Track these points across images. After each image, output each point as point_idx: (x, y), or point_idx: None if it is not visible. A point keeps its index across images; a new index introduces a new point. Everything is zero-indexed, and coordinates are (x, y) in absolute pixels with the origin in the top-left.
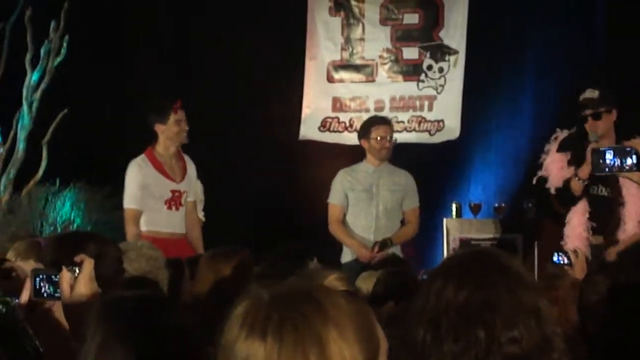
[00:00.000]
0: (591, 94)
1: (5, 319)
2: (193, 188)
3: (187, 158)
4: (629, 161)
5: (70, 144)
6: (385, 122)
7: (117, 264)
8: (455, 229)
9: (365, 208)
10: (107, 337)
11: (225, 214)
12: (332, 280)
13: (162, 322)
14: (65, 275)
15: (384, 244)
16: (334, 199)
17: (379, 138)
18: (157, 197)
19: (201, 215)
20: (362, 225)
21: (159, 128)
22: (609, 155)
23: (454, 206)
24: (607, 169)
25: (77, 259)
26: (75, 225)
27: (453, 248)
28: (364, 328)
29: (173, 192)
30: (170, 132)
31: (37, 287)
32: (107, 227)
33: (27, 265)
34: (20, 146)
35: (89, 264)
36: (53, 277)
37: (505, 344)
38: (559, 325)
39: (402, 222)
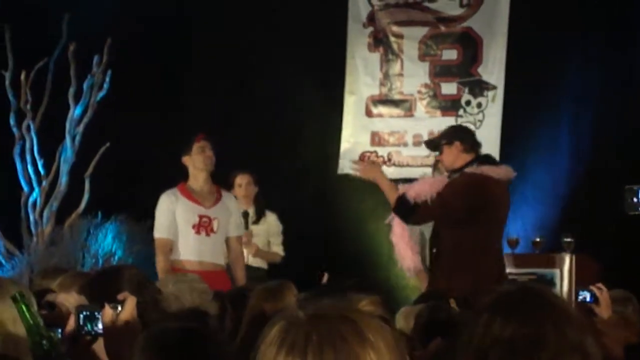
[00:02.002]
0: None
1: (48, 355)
2: (234, 222)
3: (227, 193)
4: None
5: (112, 177)
6: None
7: (154, 302)
8: None
9: None
10: None
11: None
12: (366, 304)
13: (203, 354)
14: (108, 312)
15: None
16: None
17: None
18: (185, 222)
19: (279, 249)
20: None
21: (186, 160)
22: None
23: None
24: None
25: (120, 296)
26: (116, 258)
27: (500, 288)
28: (398, 354)
29: (201, 217)
30: (195, 160)
31: (81, 322)
32: (148, 260)
33: (70, 298)
34: (63, 179)
35: (131, 302)
36: (96, 313)
37: None
38: None
39: None
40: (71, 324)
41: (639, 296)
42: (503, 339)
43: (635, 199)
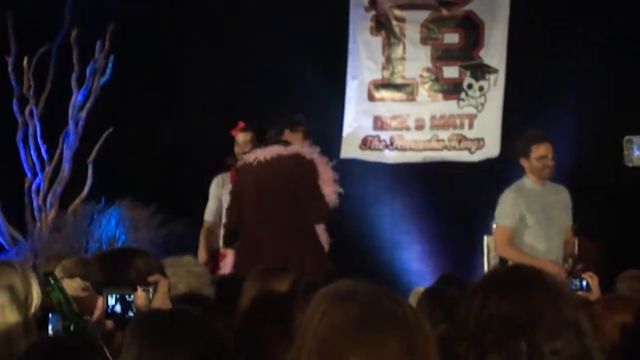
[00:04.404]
0: None
1: (76, 339)
2: None
3: None
4: None
5: (115, 163)
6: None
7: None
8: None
9: (543, 229)
10: (142, 351)
11: None
12: None
13: (194, 338)
14: (141, 296)
15: (580, 260)
16: (507, 220)
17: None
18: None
19: None
20: (543, 247)
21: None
22: None
23: (494, 224)
24: None
25: (152, 279)
26: (120, 243)
27: (493, 265)
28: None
29: None
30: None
31: (110, 306)
32: (152, 245)
33: (74, 283)
34: (66, 165)
35: (164, 284)
36: (126, 296)
37: (547, 355)
38: (597, 339)
39: None
40: (99, 306)
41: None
42: (499, 317)
43: (636, 150)
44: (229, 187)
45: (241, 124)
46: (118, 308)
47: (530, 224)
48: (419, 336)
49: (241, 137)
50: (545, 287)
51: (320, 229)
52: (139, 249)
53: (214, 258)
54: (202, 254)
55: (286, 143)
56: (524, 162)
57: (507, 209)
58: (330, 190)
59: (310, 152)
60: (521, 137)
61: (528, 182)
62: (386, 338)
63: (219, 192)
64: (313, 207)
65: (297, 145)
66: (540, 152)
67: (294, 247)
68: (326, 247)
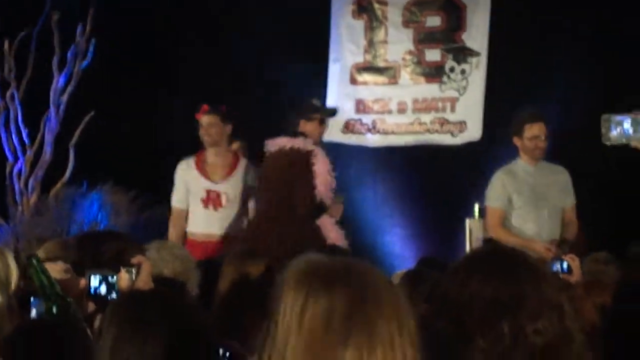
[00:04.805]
0: None
1: (59, 321)
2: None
3: (246, 163)
4: None
5: (97, 147)
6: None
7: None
8: (477, 230)
9: (532, 210)
10: (121, 332)
11: None
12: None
13: (173, 319)
14: (124, 277)
15: (564, 247)
16: (496, 202)
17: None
18: (193, 195)
19: None
20: (532, 228)
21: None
22: (626, 124)
23: (476, 207)
24: (623, 139)
25: (135, 260)
26: (101, 227)
27: (475, 248)
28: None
29: (208, 191)
30: (201, 134)
31: (93, 287)
32: (133, 229)
33: (56, 266)
34: (48, 148)
35: (147, 265)
36: (109, 278)
37: (530, 335)
38: (577, 321)
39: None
40: (82, 287)
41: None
42: (482, 297)
43: (620, 129)
44: (194, 172)
45: (205, 107)
46: (101, 290)
47: (518, 205)
48: (406, 313)
49: (205, 120)
50: (528, 269)
51: (330, 225)
52: (115, 231)
53: (184, 244)
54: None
55: (294, 134)
56: (517, 142)
57: (496, 190)
58: (323, 182)
59: (307, 145)
60: (516, 116)
61: (520, 162)
62: (378, 321)
63: (185, 176)
64: (300, 197)
65: (300, 139)
66: (533, 132)
67: (289, 241)
68: (339, 242)
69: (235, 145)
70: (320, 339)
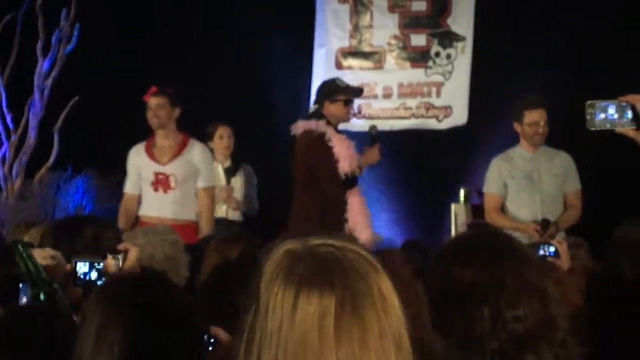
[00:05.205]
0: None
1: (45, 307)
2: (201, 174)
3: (195, 145)
4: (627, 116)
5: (81, 131)
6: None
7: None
8: (463, 215)
9: (526, 196)
10: (106, 318)
11: None
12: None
13: (158, 304)
14: (111, 263)
15: (545, 225)
16: (492, 187)
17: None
18: (144, 179)
19: (255, 202)
20: (525, 213)
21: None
22: (610, 110)
23: (461, 192)
24: (608, 125)
25: (121, 246)
26: (86, 212)
27: (460, 233)
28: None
29: (156, 174)
30: (149, 116)
31: (79, 273)
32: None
33: (43, 252)
34: (32, 133)
35: (134, 252)
36: (96, 264)
37: (510, 322)
38: (563, 307)
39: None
40: (67, 273)
41: None
42: (463, 283)
43: (603, 115)
44: (144, 156)
45: (153, 89)
46: (92, 276)
47: (511, 190)
48: (393, 299)
49: (153, 102)
50: (510, 254)
51: (358, 205)
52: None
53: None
54: (121, 226)
55: (318, 116)
56: (517, 127)
57: (492, 176)
58: (344, 157)
59: (320, 127)
60: (518, 102)
61: (518, 148)
62: (368, 313)
63: (137, 161)
64: (323, 176)
65: (313, 121)
66: (533, 118)
67: (305, 222)
68: (363, 223)
69: (222, 130)
70: (312, 339)
